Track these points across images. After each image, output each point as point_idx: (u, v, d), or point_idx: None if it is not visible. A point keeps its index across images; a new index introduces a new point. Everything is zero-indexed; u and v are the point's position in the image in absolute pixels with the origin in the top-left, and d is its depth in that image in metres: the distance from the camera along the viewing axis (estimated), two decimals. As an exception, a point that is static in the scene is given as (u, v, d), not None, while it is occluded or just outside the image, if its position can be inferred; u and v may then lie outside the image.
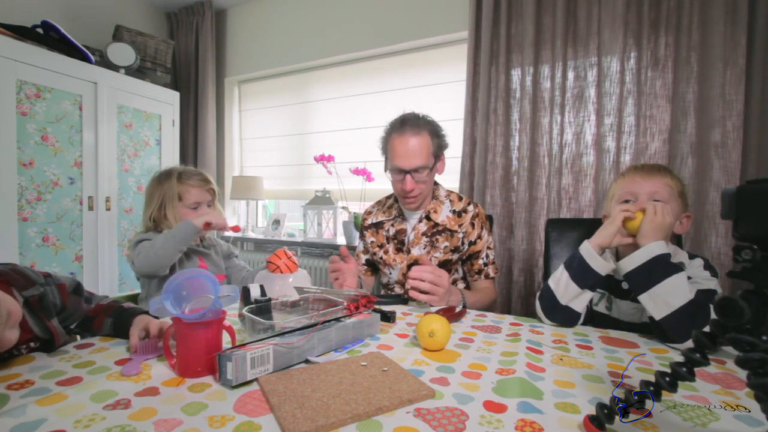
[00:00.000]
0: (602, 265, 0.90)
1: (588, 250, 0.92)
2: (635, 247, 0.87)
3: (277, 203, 3.18)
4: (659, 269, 0.82)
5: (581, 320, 0.94)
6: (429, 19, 2.22)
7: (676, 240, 1.26)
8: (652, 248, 0.83)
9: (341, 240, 2.45)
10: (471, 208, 1.31)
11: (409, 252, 1.31)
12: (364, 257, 1.44)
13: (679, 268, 0.83)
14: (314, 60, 2.65)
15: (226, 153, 3.08)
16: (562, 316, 0.93)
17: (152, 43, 2.62)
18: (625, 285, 0.99)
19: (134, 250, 1.20)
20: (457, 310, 1.02)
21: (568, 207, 1.84)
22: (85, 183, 2.19)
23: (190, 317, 0.64)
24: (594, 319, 1.07)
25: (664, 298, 0.80)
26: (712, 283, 0.90)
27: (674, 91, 1.63)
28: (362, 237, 1.45)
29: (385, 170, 1.30)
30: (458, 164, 2.06)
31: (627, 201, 0.98)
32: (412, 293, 1.06)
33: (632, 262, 0.85)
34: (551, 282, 0.96)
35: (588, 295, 0.93)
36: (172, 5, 3.01)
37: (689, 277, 0.92)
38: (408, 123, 1.21)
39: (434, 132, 1.24)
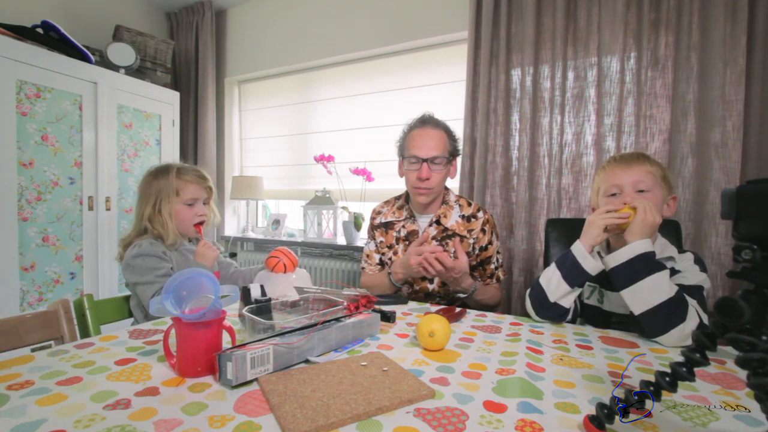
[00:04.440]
0: (593, 266, 0.92)
1: (580, 250, 0.93)
2: (624, 240, 0.89)
3: (277, 203, 3.17)
4: (642, 267, 0.84)
5: (569, 316, 0.97)
6: (429, 19, 2.22)
7: (676, 236, 1.26)
8: (636, 246, 0.85)
9: (341, 240, 2.45)
10: (481, 214, 1.34)
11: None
12: (377, 257, 1.43)
13: (662, 266, 0.85)
14: (314, 60, 2.64)
15: (226, 153, 3.07)
16: (552, 312, 0.96)
17: (152, 43, 2.62)
18: None
19: (131, 260, 1.16)
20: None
21: (568, 207, 1.84)
22: (85, 183, 2.18)
23: (190, 317, 0.64)
24: (586, 312, 1.08)
25: (643, 295, 0.83)
26: (701, 277, 0.92)
27: (674, 91, 1.63)
28: (372, 237, 1.44)
29: (400, 168, 1.36)
30: (458, 164, 2.05)
31: (614, 194, 1.00)
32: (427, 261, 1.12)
33: (617, 258, 0.87)
34: (542, 280, 0.98)
35: (577, 292, 0.96)
36: (172, 5, 3.01)
37: (679, 271, 0.95)
38: (428, 120, 1.33)
39: (450, 134, 1.33)
